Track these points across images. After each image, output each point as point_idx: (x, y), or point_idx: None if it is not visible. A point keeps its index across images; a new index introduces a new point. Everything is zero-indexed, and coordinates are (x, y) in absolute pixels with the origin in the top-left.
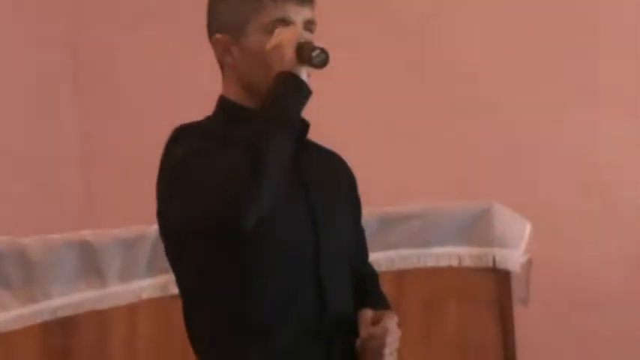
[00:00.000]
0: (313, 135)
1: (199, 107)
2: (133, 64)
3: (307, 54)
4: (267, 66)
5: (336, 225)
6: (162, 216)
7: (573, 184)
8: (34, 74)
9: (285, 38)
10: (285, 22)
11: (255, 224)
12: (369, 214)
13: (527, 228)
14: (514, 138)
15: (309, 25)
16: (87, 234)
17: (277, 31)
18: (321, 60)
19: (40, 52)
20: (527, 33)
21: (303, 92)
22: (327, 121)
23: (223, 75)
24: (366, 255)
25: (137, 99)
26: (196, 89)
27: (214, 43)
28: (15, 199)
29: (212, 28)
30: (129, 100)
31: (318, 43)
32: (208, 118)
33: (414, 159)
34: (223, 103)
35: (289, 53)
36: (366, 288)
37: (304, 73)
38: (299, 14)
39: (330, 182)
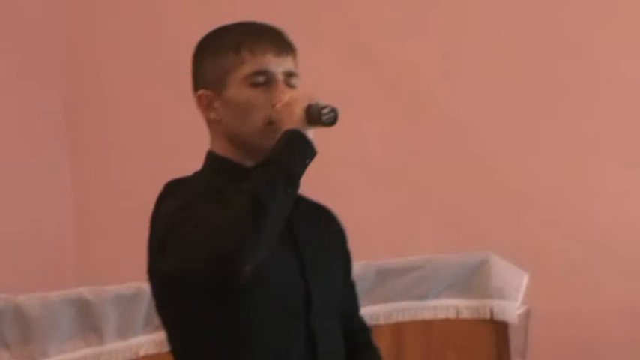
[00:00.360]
0: (307, 186)
1: (194, 163)
2: (127, 120)
3: (317, 112)
4: (249, 117)
5: (327, 280)
6: (154, 272)
7: (572, 233)
8: (28, 130)
9: (295, 97)
10: (264, 73)
11: (247, 277)
12: (366, 266)
13: (525, 279)
14: (511, 188)
15: (289, 76)
16: (84, 291)
17: (288, 91)
18: (330, 118)
19: (34, 107)
20: (524, 82)
21: (308, 153)
22: (321, 172)
23: (210, 130)
24: (357, 309)
25: (131, 155)
26: (190, 146)
27: (198, 99)
28: (9, 256)
29: (196, 85)
30: (123, 156)
31: (326, 102)
32: (197, 174)
33: (410, 210)
34: (212, 158)
35: (298, 112)
36: (357, 341)
37: (311, 133)
38: (279, 66)
39: (320, 237)
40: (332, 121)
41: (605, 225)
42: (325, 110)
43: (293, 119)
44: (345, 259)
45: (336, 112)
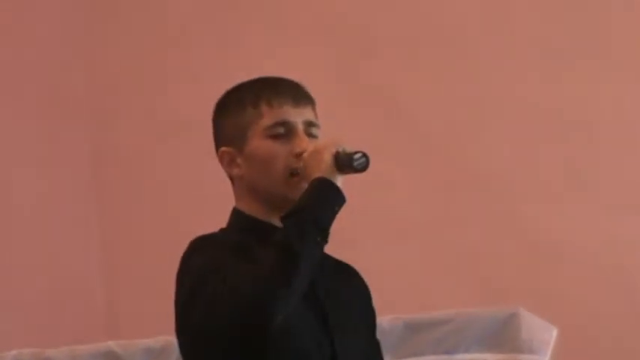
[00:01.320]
0: (335, 241)
1: (223, 218)
2: (156, 174)
3: (347, 158)
4: (271, 169)
5: (351, 338)
6: (182, 328)
7: (602, 288)
8: (57, 182)
9: (324, 143)
10: (284, 124)
11: (275, 330)
12: (394, 320)
13: (554, 333)
14: (540, 241)
15: (309, 126)
16: (112, 344)
17: (310, 140)
18: (362, 163)
19: (63, 160)
20: (555, 136)
21: (339, 201)
22: (347, 227)
23: (234, 187)
24: None
25: (160, 209)
26: (220, 200)
27: (220, 157)
28: (39, 310)
29: (217, 143)
30: (152, 209)
31: (355, 148)
32: (223, 230)
33: (438, 264)
34: (237, 216)
35: (327, 158)
36: None
37: (340, 181)
38: (298, 116)
39: (344, 295)
40: (364, 167)
41: (636, 279)
42: (357, 156)
43: (322, 167)
44: (369, 317)
45: (368, 157)
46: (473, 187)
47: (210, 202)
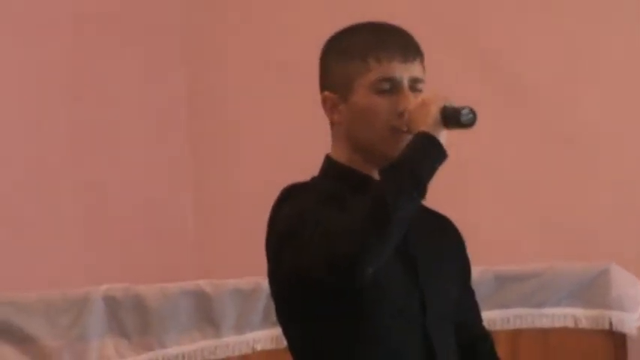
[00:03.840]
0: (430, 193)
1: (316, 161)
2: (248, 114)
3: (454, 113)
4: (372, 123)
5: (442, 286)
6: (273, 274)
7: None
8: (153, 124)
9: (432, 97)
10: (390, 80)
11: (367, 280)
12: (484, 272)
13: None
14: (633, 197)
15: (415, 82)
16: (203, 283)
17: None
18: (470, 119)
19: (158, 103)
20: None
21: (440, 157)
22: (440, 180)
23: (332, 133)
24: (477, 316)
25: (252, 149)
26: (312, 142)
27: (323, 101)
28: (131, 247)
29: (322, 86)
30: (244, 152)
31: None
32: (315, 179)
33: (531, 218)
34: (331, 164)
35: (434, 112)
36: (479, 350)
37: (444, 136)
38: (405, 72)
39: (435, 245)
40: (471, 122)
41: None
42: (464, 111)
43: (428, 121)
44: (463, 267)
45: (475, 113)
46: (567, 142)
47: (304, 143)
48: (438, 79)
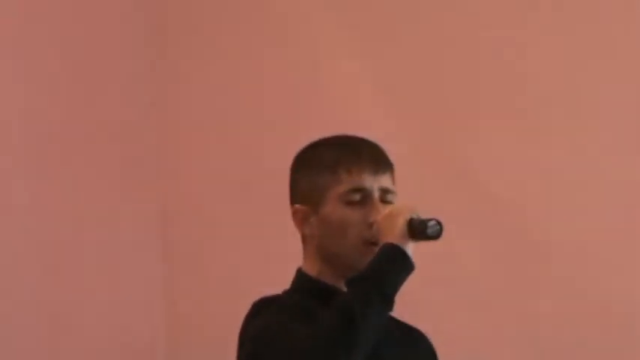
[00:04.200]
0: (399, 305)
1: (285, 279)
2: (220, 234)
3: (421, 225)
4: (344, 236)
5: None
6: None
7: None
8: (124, 239)
9: (399, 208)
10: (361, 191)
11: None
12: None
13: None
14: (607, 313)
15: (385, 193)
16: None
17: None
18: (436, 231)
19: (130, 217)
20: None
21: (407, 269)
22: (413, 289)
23: (304, 245)
24: None
25: (225, 268)
26: (284, 262)
27: (294, 214)
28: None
29: (292, 199)
30: (216, 268)
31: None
32: (287, 293)
33: (502, 331)
34: (302, 278)
35: (401, 224)
36: None
37: (411, 248)
38: (376, 182)
39: (408, 358)
40: (437, 234)
41: None
42: (431, 223)
43: (394, 232)
44: None
45: (442, 225)
46: (541, 257)
47: (277, 261)
48: (409, 189)
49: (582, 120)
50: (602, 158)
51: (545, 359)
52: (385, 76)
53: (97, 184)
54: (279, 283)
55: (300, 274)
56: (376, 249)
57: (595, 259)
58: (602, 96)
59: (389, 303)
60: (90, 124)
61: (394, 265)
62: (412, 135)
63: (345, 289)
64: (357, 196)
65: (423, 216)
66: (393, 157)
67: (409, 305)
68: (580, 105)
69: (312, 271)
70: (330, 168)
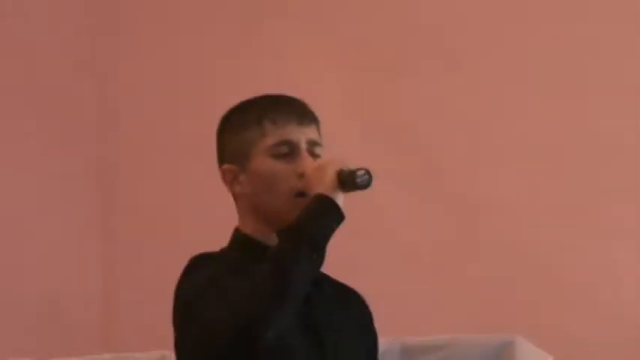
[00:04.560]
0: (333, 263)
1: (226, 235)
2: (158, 190)
3: (351, 175)
4: (274, 189)
5: None
6: (179, 344)
7: (598, 317)
8: (61, 193)
9: (329, 160)
10: (287, 143)
11: (269, 348)
12: (390, 343)
13: None
14: (538, 270)
15: (313, 145)
16: (108, 357)
17: (313, 160)
18: (364, 180)
19: (68, 171)
20: (551, 168)
21: (338, 219)
22: (349, 249)
23: (237, 205)
24: None
25: (162, 223)
26: (220, 219)
27: (223, 174)
28: (35, 320)
29: (221, 160)
30: (153, 225)
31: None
32: (223, 250)
33: (436, 288)
34: (238, 236)
35: (330, 175)
36: None
37: (341, 199)
38: (302, 134)
39: (343, 317)
40: (366, 184)
41: (633, 307)
42: (360, 172)
43: (325, 183)
44: (370, 339)
45: (371, 174)
46: (474, 215)
47: (213, 219)
48: (339, 143)
49: (510, 70)
50: (528, 111)
51: (476, 319)
52: (320, 30)
53: (35, 137)
54: (218, 242)
55: (236, 233)
56: (306, 201)
57: (526, 218)
58: (529, 45)
59: (320, 253)
60: (28, 77)
61: (325, 215)
62: (342, 88)
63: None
64: (284, 148)
65: (353, 167)
66: (321, 111)
67: (342, 261)
68: (509, 54)
69: (246, 228)
70: (255, 122)
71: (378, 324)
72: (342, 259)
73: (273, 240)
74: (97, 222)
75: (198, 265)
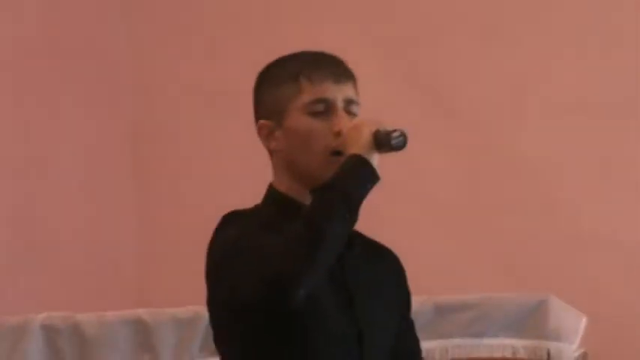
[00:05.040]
0: (367, 222)
1: (257, 193)
2: (192, 147)
3: (386, 136)
4: (310, 147)
5: (379, 319)
6: (212, 300)
7: (633, 277)
8: (96, 153)
9: (365, 120)
10: (324, 101)
11: (301, 304)
12: (423, 302)
13: (583, 322)
14: (573, 229)
15: (349, 104)
16: (141, 312)
17: (349, 119)
18: (400, 142)
19: (102, 132)
20: (592, 123)
21: (372, 179)
22: (382, 208)
23: (272, 161)
24: (417, 348)
25: (195, 181)
26: (255, 175)
27: (259, 129)
28: (70, 275)
29: (257, 115)
30: (187, 182)
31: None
32: (257, 207)
33: (471, 248)
34: (273, 193)
35: (366, 135)
36: None
37: (376, 159)
38: (339, 93)
39: (373, 275)
40: (401, 145)
41: None
42: (395, 134)
43: (360, 143)
44: (402, 298)
45: (406, 135)
46: (508, 173)
47: (248, 174)
48: (375, 105)
49: (547, 28)
50: (572, 73)
51: (510, 278)
52: None
53: (68, 100)
54: (252, 198)
55: (271, 190)
56: (342, 159)
57: (563, 177)
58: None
59: (353, 213)
60: (62, 40)
61: (359, 175)
62: (379, 51)
63: None
64: (320, 106)
65: (389, 128)
66: (358, 72)
67: (377, 219)
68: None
69: (280, 186)
70: (292, 78)
71: (411, 282)
72: (377, 219)
73: (307, 198)
74: (132, 179)
75: (232, 221)
